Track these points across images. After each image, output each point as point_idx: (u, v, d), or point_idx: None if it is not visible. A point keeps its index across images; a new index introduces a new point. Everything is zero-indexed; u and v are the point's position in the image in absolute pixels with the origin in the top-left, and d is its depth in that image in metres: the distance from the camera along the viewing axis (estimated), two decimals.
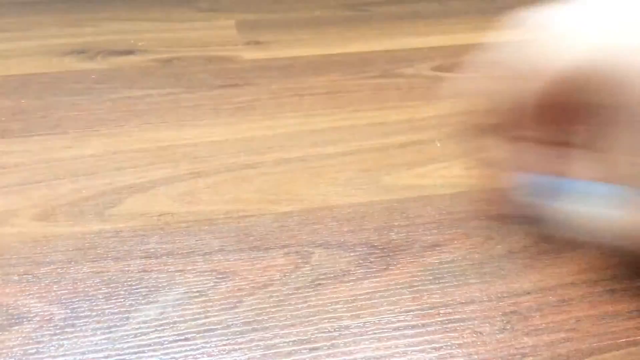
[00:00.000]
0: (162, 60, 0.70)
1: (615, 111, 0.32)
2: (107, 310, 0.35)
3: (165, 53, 0.72)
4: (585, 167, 0.38)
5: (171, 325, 0.34)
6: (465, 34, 0.78)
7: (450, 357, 0.32)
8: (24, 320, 0.34)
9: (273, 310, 0.35)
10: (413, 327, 0.34)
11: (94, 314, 0.34)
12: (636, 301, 0.35)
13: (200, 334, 0.33)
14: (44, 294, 0.36)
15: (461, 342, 0.33)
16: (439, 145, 0.52)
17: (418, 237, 0.41)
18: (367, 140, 0.53)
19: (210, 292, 0.36)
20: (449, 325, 0.34)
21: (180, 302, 0.35)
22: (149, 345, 0.33)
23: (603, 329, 0.34)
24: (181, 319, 0.34)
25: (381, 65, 0.68)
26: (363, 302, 0.35)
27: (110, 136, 0.53)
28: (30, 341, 0.33)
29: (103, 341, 0.33)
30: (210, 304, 0.35)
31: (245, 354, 0.32)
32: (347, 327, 0.34)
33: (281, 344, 0.33)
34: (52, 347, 0.32)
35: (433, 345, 0.33)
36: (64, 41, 0.76)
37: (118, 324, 0.34)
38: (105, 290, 0.36)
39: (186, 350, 0.32)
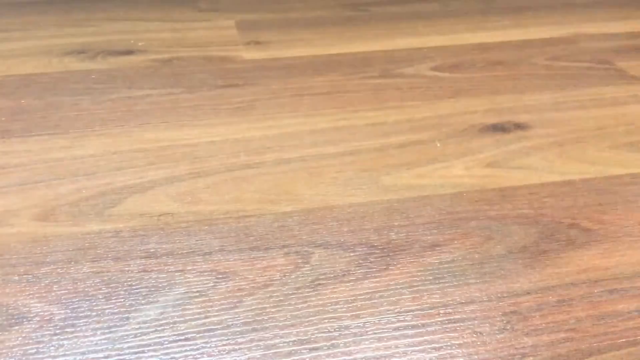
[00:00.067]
0: (162, 60, 0.70)
1: None
2: (107, 310, 0.35)
3: (165, 53, 0.72)
4: None
5: (171, 325, 0.34)
6: (465, 34, 0.78)
7: (450, 357, 0.32)
8: (24, 320, 0.34)
9: (273, 310, 0.35)
10: (413, 327, 0.34)
11: (94, 314, 0.34)
12: (636, 301, 0.35)
13: (200, 334, 0.33)
14: (44, 294, 0.36)
15: (461, 342, 0.33)
16: (439, 145, 0.52)
17: (418, 237, 0.41)
18: (367, 140, 0.53)
19: (210, 292, 0.36)
20: (449, 325, 0.34)
21: (180, 302, 0.35)
22: (149, 345, 0.33)
23: (603, 329, 0.34)
24: (181, 319, 0.34)
25: (381, 65, 0.68)
26: (363, 302, 0.35)
27: (110, 136, 0.53)
28: (30, 341, 0.33)
29: (103, 341, 0.33)
30: (210, 304, 0.35)
31: (245, 354, 0.32)
32: (347, 327, 0.34)
33: (281, 344, 0.33)
34: (52, 347, 0.32)
35: (433, 345, 0.33)
36: (64, 41, 0.76)
37: (118, 324, 0.34)
38: (105, 290, 0.36)
39: (186, 350, 0.32)
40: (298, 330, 0.33)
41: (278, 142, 0.52)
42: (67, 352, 0.32)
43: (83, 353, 0.32)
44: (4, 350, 0.32)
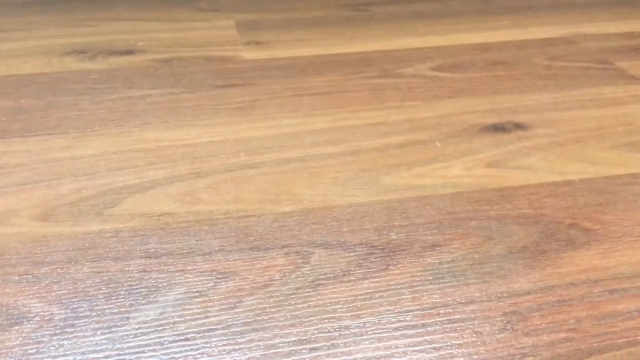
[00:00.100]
0: (162, 60, 0.70)
1: None
2: (107, 310, 0.35)
3: (165, 53, 0.72)
4: None
5: (171, 325, 0.34)
6: (465, 34, 0.78)
7: (450, 357, 0.32)
8: (24, 320, 0.34)
9: (273, 310, 0.35)
10: (413, 327, 0.34)
11: (94, 314, 0.34)
12: (636, 301, 0.35)
13: (200, 334, 0.33)
14: (44, 294, 0.36)
15: (461, 342, 0.33)
16: (439, 145, 0.52)
17: (418, 237, 0.41)
18: (367, 140, 0.53)
19: (210, 292, 0.36)
20: (449, 325, 0.34)
21: (180, 302, 0.35)
22: (149, 345, 0.33)
23: (603, 329, 0.34)
24: (181, 319, 0.34)
25: (381, 65, 0.68)
26: (363, 302, 0.35)
27: (110, 136, 0.53)
28: (30, 341, 0.33)
29: (103, 341, 0.33)
30: (210, 304, 0.35)
31: (245, 354, 0.32)
32: (347, 327, 0.34)
33: (281, 344, 0.33)
34: (52, 347, 0.32)
35: (433, 345, 0.33)
36: (64, 41, 0.76)
37: (118, 324, 0.34)
38: (105, 290, 0.36)
39: (186, 350, 0.32)
40: (298, 330, 0.33)
41: (278, 142, 0.52)
42: (67, 352, 0.32)
43: (83, 353, 0.32)
44: (4, 350, 0.32)
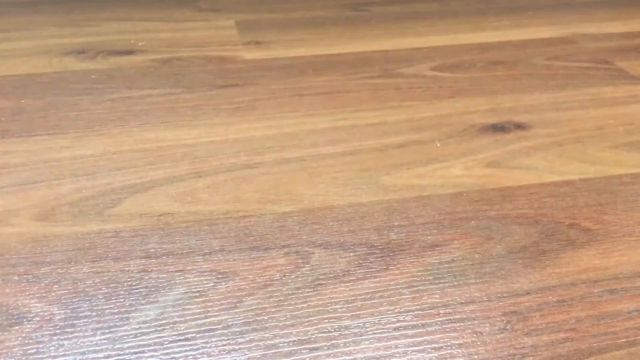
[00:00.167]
0: (162, 60, 0.70)
1: None
2: (107, 310, 0.35)
3: (165, 53, 0.72)
4: None
5: (171, 325, 0.34)
6: (465, 34, 0.78)
7: (450, 357, 0.32)
8: (24, 320, 0.34)
9: (273, 310, 0.35)
10: (413, 327, 0.34)
11: (94, 314, 0.34)
12: (636, 301, 0.35)
13: (200, 334, 0.33)
14: (44, 294, 0.36)
15: (461, 342, 0.33)
16: (439, 145, 0.52)
17: (418, 237, 0.41)
18: (367, 140, 0.53)
19: (210, 292, 0.36)
20: (449, 325, 0.34)
21: (180, 302, 0.35)
22: (149, 345, 0.33)
23: (603, 329, 0.34)
24: (181, 319, 0.34)
25: (381, 65, 0.68)
26: (363, 302, 0.35)
27: (110, 136, 0.53)
28: (30, 341, 0.33)
29: (103, 341, 0.33)
30: (210, 304, 0.35)
31: (245, 354, 0.32)
32: (347, 327, 0.34)
33: (281, 344, 0.33)
34: (52, 347, 0.32)
35: (433, 345, 0.33)
36: (64, 41, 0.76)
37: (118, 324, 0.34)
38: (105, 290, 0.36)
39: (186, 350, 0.32)
40: (298, 330, 0.33)
41: (278, 142, 0.52)
42: (67, 352, 0.32)
43: (83, 353, 0.32)
44: (4, 350, 0.32)
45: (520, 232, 0.41)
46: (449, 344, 0.33)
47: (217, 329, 0.33)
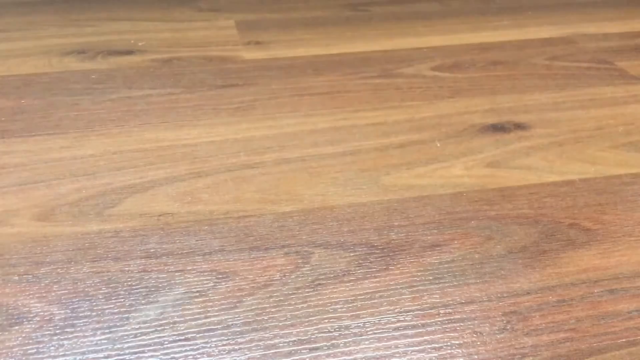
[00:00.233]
0: (162, 60, 0.70)
1: None
2: (107, 310, 0.35)
3: (165, 53, 0.72)
4: None
5: (171, 325, 0.34)
6: (465, 34, 0.78)
7: (450, 357, 0.32)
8: (24, 320, 0.34)
9: (273, 310, 0.35)
10: (413, 327, 0.34)
11: (94, 314, 0.34)
12: (636, 301, 0.35)
13: (200, 334, 0.33)
14: (44, 294, 0.36)
15: (461, 342, 0.33)
16: (439, 145, 0.52)
17: (418, 237, 0.41)
18: (367, 140, 0.53)
19: (210, 292, 0.36)
20: (449, 325, 0.34)
21: (180, 302, 0.35)
22: (149, 345, 0.33)
23: (603, 329, 0.34)
24: (181, 319, 0.34)
25: (381, 65, 0.68)
26: (363, 302, 0.35)
27: (110, 136, 0.53)
28: (30, 341, 0.33)
29: (103, 341, 0.33)
30: (210, 304, 0.35)
31: (245, 354, 0.32)
32: (347, 327, 0.34)
33: (281, 344, 0.33)
34: (52, 347, 0.32)
35: (433, 345, 0.33)
36: (64, 41, 0.76)
37: (118, 324, 0.34)
38: (105, 290, 0.36)
39: (186, 350, 0.32)
40: (298, 330, 0.33)
41: (278, 142, 0.52)
42: (67, 352, 0.32)
43: (83, 353, 0.32)
44: (4, 350, 0.32)
45: (520, 232, 0.41)
46: (449, 344, 0.33)
47: (217, 329, 0.33)
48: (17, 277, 0.37)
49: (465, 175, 0.48)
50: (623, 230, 0.42)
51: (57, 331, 0.33)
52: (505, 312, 0.35)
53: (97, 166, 0.49)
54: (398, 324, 0.34)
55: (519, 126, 0.55)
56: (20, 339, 0.33)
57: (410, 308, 0.35)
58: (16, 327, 0.34)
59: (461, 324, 0.34)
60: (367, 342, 0.33)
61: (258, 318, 0.34)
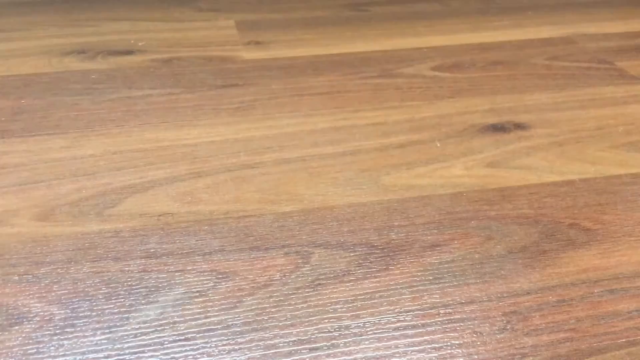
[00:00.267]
0: (162, 60, 0.70)
1: None
2: (107, 310, 0.35)
3: (165, 53, 0.72)
4: None
5: (171, 325, 0.34)
6: (465, 34, 0.78)
7: (450, 357, 0.32)
8: (24, 320, 0.34)
9: (273, 310, 0.35)
10: (413, 327, 0.34)
11: (94, 314, 0.34)
12: (636, 301, 0.35)
13: (200, 334, 0.33)
14: (44, 294, 0.36)
15: (461, 342, 0.33)
16: (439, 145, 0.52)
17: (418, 237, 0.41)
18: (367, 140, 0.53)
19: (210, 292, 0.36)
20: (449, 325, 0.34)
21: (180, 302, 0.35)
22: (149, 345, 0.33)
23: (603, 329, 0.34)
24: (181, 319, 0.34)
25: (381, 65, 0.68)
26: (363, 302, 0.35)
27: (110, 136, 0.53)
28: (30, 341, 0.33)
29: (103, 341, 0.33)
30: (210, 304, 0.35)
31: (245, 354, 0.32)
32: (347, 327, 0.34)
33: (281, 344, 0.33)
34: (52, 347, 0.32)
35: (433, 345, 0.33)
36: (64, 41, 0.76)
37: (118, 324, 0.34)
38: (105, 290, 0.36)
39: (186, 350, 0.32)
40: (298, 330, 0.33)
41: (278, 142, 0.52)
42: (67, 352, 0.32)
43: (83, 353, 0.32)
44: (4, 350, 0.32)
45: (520, 232, 0.41)
46: (449, 344, 0.33)
47: (217, 329, 0.33)
48: (17, 277, 0.37)
49: (465, 175, 0.48)
50: (623, 230, 0.42)
51: (57, 331, 0.33)
52: (505, 312, 0.35)
53: (97, 166, 0.49)
54: (398, 324, 0.34)
55: (519, 126, 0.55)
56: (20, 339, 0.33)
57: (410, 308, 0.35)
58: (16, 327, 0.34)
59: (461, 324, 0.34)
60: (367, 342, 0.33)
61: (258, 318, 0.34)
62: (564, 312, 0.35)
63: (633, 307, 0.35)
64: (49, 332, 0.33)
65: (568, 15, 0.87)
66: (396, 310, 0.35)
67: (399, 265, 0.38)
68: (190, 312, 0.35)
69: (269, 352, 0.32)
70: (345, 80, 0.65)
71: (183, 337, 0.33)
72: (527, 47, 0.74)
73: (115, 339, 0.33)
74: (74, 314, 0.34)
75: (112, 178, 0.47)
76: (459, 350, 0.32)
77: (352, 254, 0.39)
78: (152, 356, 0.32)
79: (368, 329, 0.34)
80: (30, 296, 0.36)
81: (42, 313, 0.34)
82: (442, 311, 0.35)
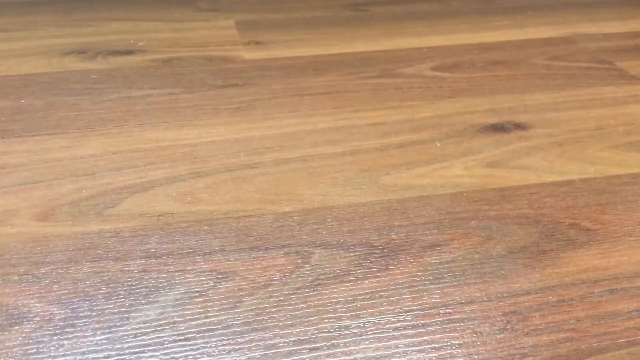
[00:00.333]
0: (162, 60, 0.70)
1: None
2: (107, 310, 0.35)
3: (165, 53, 0.72)
4: None
5: (171, 325, 0.34)
6: (465, 34, 0.78)
7: (450, 357, 0.32)
8: (24, 320, 0.34)
9: (273, 310, 0.35)
10: (413, 327, 0.34)
11: (94, 314, 0.34)
12: (636, 301, 0.35)
13: (200, 334, 0.33)
14: (44, 294, 0.36)
15: (461, 342, 0.33)
16: (439, 145, 0.52)
17: (418, 237, 0.41)
18: (367, 140, 0.53)
19: (210, 292, 0.36)
20: (449, 325, 0.34)
21: (180, 302, 0.35)
22: (149, 345, 0.33)
23: (603, 329, 0.34)
24: (181, 319, 0.34)
25: (381, 65, 0.68)
26: (363, 302, 0.35)
27: (110, 136, 0.53)
28: (30, 341, 0.33)
29: (103, 341, 0.33)
30: (210, 304, 0.35)
31: (245, 354, 0.32)
32: (347, 327, 0.34)
33: (281, 344, 0.33)
34: (52, 347, 0.32)
35: (433, 345, 0.33)
36: (64, 41, 0.76)
37: (118, 324, 0.34)
38: (105, 290, 0.36)
39: (186, 350, 0.32)
40: (298, 330, 0.33)
41: (278, 142, 0.52)
42: (67, 352, 0.32)
43: (83, 353, 0.32)
44: (4, 350, 0.32)
45: (520, 232, 0.41)
46: (449, 344, 0.33)
47: (217, 329, 0.33)
48: (17, 277, 0.37)
49: (465, 175, 0.48)
50: (623, 230, 0.42)
51: (57, 331, 0.33)
52: (505, 312, 0.35)
53: (97, 166, 0.49)
54: (398, 324, 0.34)
55: (519, 126, 0.55)
56: (20, 339, 0.33)
57: (410, 308, 0.35)
58: (16, 327, 0.34)
59: (461, 324, 0.34)
60: (367, 342, 0.33)
61: (258, 318, 0.34)
62: (564, 312, 0.35)
63: (633, 307, 0.35)
64: (49, 332, 0.33)
65: (568, 15, 0.87)
66: (396, 310, 0.35)
67: (399, 265, 0.38)
68: (190, 312, 0.35)
69: (269, 352, 0.32)
70: (345, 80, 0.65)
71: (183, 337, 0.33)
72: (527, 47, 0.74)
73: (115, 339, 0.33)
74: (74, 314, 0.34)
75: (112, 178, 0.47)
76: (459, 350, 0.32)
77: (352, 254, 0.39)
78: (152, 356, 0.32)
79: (368, 329, 0.34)
80: (30, 296, 0.36)
81: (42, 313, 0.34)
82: (442, 311, 0.35)
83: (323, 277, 0.37)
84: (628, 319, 0.34)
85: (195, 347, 0.32)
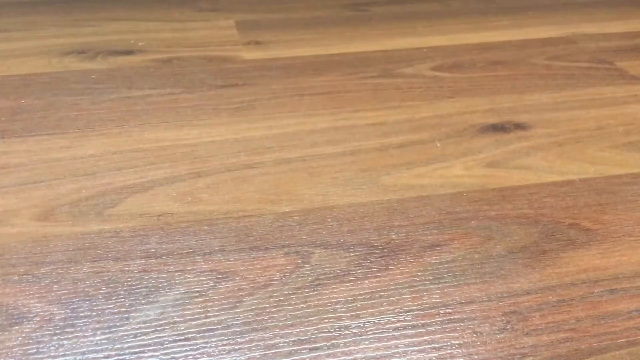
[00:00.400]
0: (162, 60, 0.70)
1: None
2: (107, 310, 0.35)
3: (165, 53, 0.72)
4: None
5: (171, 325, 0.34)
6: (465, 34, 0.78)
7: (450, 357, 0.32)
8: (24, 320, 0.34)
9: (273, 310, 0.35)
10: (413, 327, 0.34)
11: (94, 314, 0.34)
12: (636, 301, 0.35)
13: (200, 334, 0.33)
14: (44, 294, 0.36)
15: (461, 342, 0.33)
16: (439, 145, 0.52)
17: (418, 237, 0.41)
18: (367, 140, 0.53)
19: (210, 292, 0.36)
20: (449, 325, 0.34)
21: (180, 302, 0.35)
22: (149, 345, 0.33)
23: (603, 329, 0.34)
24: (181, 319, 0.34)
25: (381, 65, 0.68)
26: (363, 302, 0.35)
27: (110, 136, 0.53)
28: (30, 341, 0.33)
29: (103, 341, 0.33)
30: (210, 304, 0.35)
31: (245, 354, 0.32)
32: (347, 327, 0.34)
33: (281, 344, 0.33)
34: (52, 347, 0.32)
35: (433, 345, 0.33)
36: (64, 41, 0.76)
37: (118, 324, 0.34)
38: (105, 290, 0.36)
39: (186, 350, 0.32)
40: (298, 330, 0.33)
41: (278, 142, 0.52)
42: (67, 352, 0.32)
43: (83, 353, 0.32)
44: (4, 350, 0.32)
45: (520, 232, 0.41)
46: (449, 344, 0.33)
47: (217, 329, 0.33)
48: (17, 277, 0.37)
49: (465, 175, 0.48)
50: (623, 230, 0.42)
51: (57, 331, 0.33)
52: (505, 312, 0.35)
53: (97, 166, 0.49)
54: (398, 324, 0.34)
55: (519, 126, 0.55)
56: (20, 339, 0.33)
57: (410, 308, 0.35)
58: (16, 327, 0.34)
59: (461, 324, 0.34)
60: (367, 342, 0.33)
61: (258, 318, 0.34)
62: (564, 312, 0.35)
63: (633, 307, 0.35)
64: (49, 332, 0.33)
65: (568, 15, 0.87)
66: (396, 310, 0.35)
67: (399, 265, 0.38)
68: (190, 312, 0.35)
69: (269, 352, 0.32)
70: (345, 80, 0.65)
71: (183, 337, 0.33)
72: (527, 47, 0.74)
73: (115, 339, 0.33)
74: (74, 314, 0.34)
75: (112, 178, 0.47)
76: (459, 350, 0.32)
77: (352, 254, 0.39)
78: (152, 356, 0.32)
79: (368, 329, 0.34)
80: (30, 296, 0.36)
81: (42, 313, 0.34)
82: (442, 311, 0.35)
83: (323, 277, 0.37)
84: (628, 319, 0.34)
85: (195, 347, 0.32)
